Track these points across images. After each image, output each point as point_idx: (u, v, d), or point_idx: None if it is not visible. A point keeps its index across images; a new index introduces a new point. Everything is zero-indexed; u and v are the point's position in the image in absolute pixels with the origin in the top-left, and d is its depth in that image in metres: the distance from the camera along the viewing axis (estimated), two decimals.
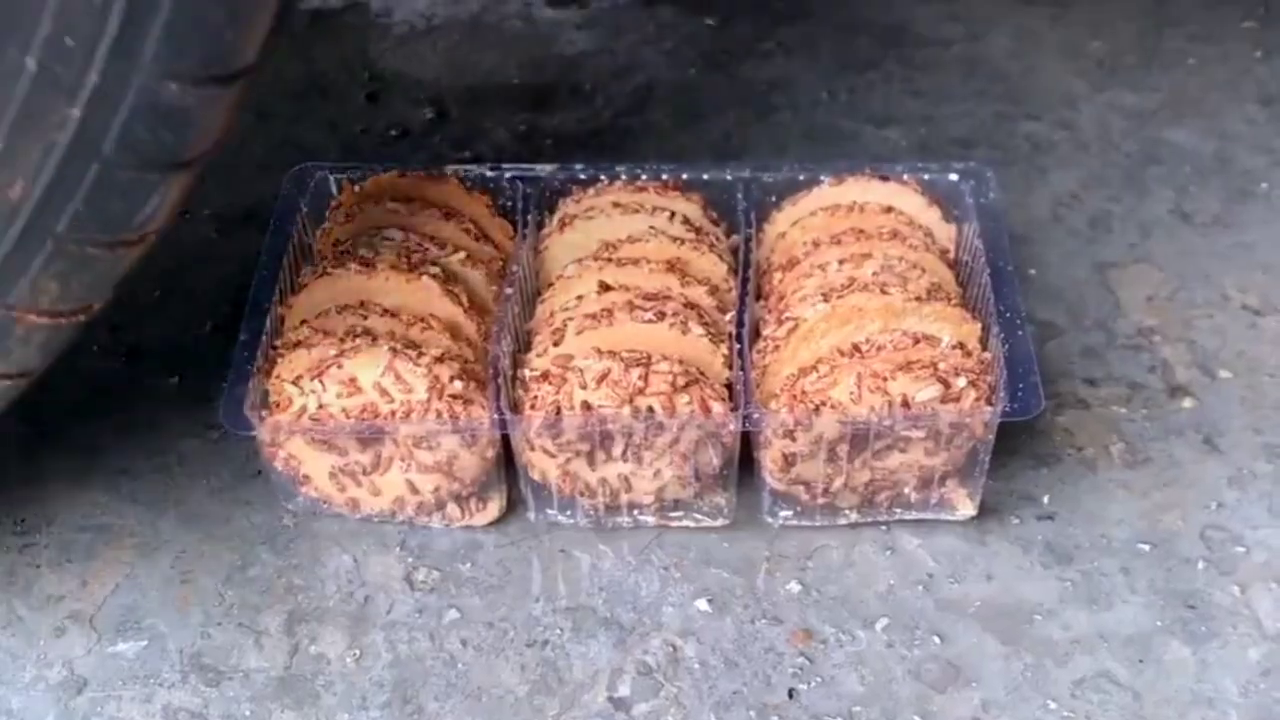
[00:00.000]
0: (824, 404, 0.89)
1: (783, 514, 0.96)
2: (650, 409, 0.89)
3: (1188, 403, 1.08)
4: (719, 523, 0.97)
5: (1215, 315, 1.16)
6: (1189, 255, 1.22)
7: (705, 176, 1.09)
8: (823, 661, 0.90)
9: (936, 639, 0.91)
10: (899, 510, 0.96)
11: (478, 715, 0.87)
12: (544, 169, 1.10)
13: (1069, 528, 0.98)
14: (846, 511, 0.96)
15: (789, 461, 0.92)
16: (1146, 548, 0.97)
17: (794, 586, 0.94)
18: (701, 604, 0.93)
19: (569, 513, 0.97)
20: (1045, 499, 1.00)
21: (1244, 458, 1.03)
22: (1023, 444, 1.02)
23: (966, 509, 0.96)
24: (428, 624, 0.91)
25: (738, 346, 0.94)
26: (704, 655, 0.90)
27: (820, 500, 0.95)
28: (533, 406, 0.90)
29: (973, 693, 0.88)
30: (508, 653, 0.90)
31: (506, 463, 0.96)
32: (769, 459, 0.93)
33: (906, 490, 0.95)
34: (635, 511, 0.96)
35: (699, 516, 0.97)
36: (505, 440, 0.94)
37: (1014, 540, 0.97)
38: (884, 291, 0.94)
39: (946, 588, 0.94)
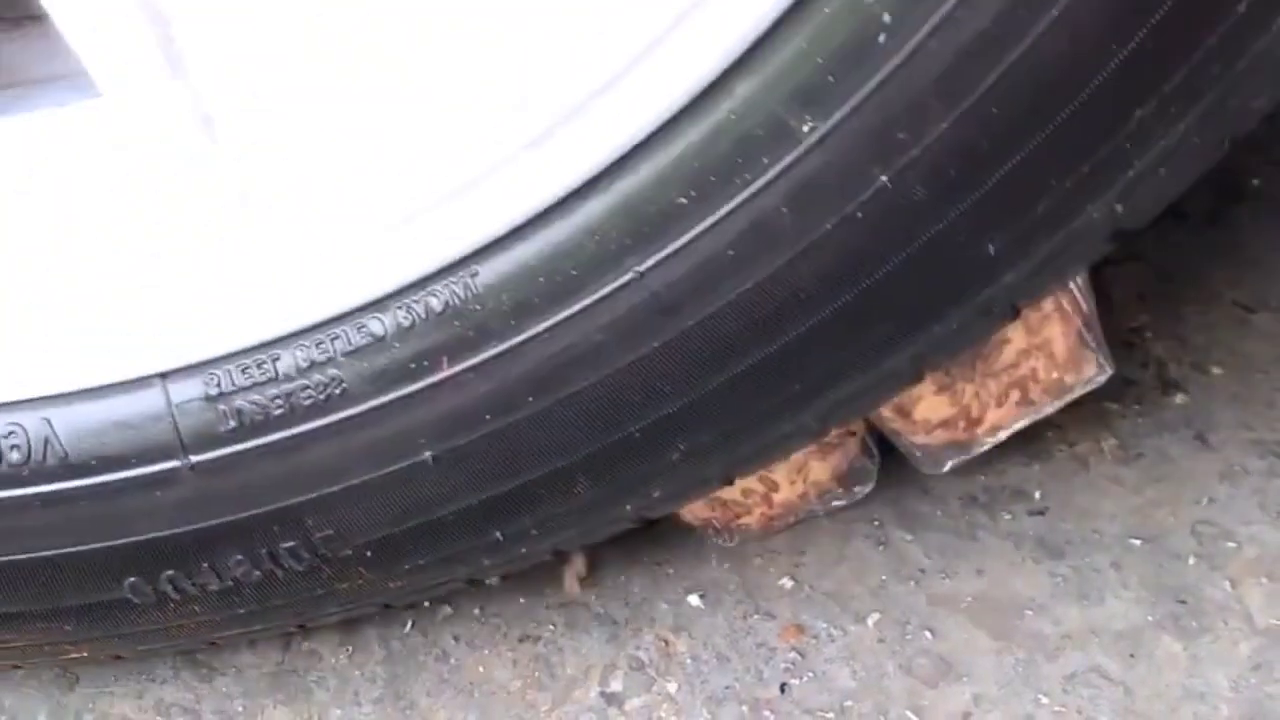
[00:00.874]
0: None
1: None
2: None
3: (1179, 399, 1.08)
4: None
5: (1207, 312, 1.16)
6: (1181, 252, 1.22)
7: None
8: (815, 656, 0.90)
9: (928, 634, 0.91)
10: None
11: (470, 710, 0.87)
12: None
13: (1060, 523, 0.98)
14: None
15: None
16: (1138, 543, 0.97)
17: (786, 582, 0.94)
18: (694, 599, 0.93)
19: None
20: (1037, 494, 1.00)
21: (1235, 454, 1.03)
22: (1014, 439, 1.02)
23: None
24: (420, 619, 0.92)
25: None
26: (696, 650, 0.90)
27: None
28: None
29: (964, 687, 0.88)
30: (500, 648, 0.90)
31: None
32: None
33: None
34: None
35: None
36: None
37: (1005, 535, 0.97)
38: None
39: (938, 583, 0.94)
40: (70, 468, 0.75)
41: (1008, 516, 0.99)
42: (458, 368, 0.73)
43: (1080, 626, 0.92)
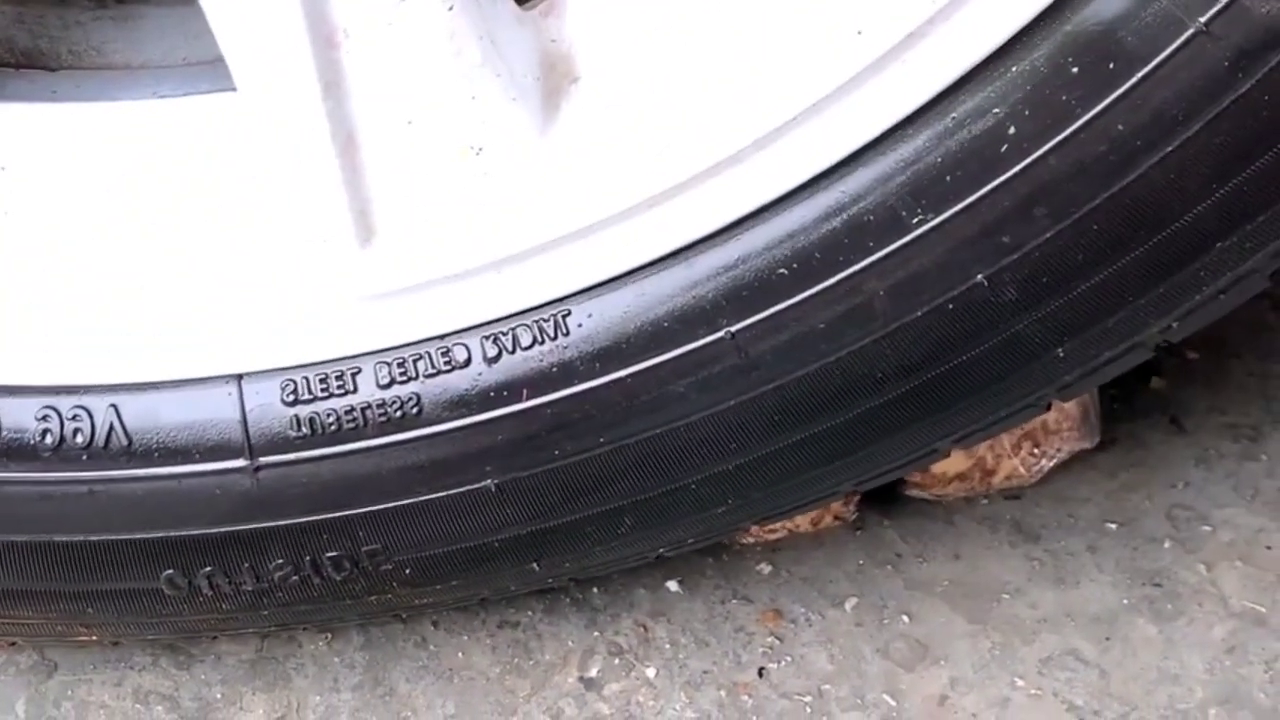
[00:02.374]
0: None
1: None
2: None
3: (1154, 383, 1.08)
4: None
5: None
6: None
7: None
8: (792, 640, 0.90)
9: (905, 618, 0.92)
10: None
11: (449, 696, 0.87)
12: None
13: (1036, 508, 0.99)
14: None
15: None
16: (1113, 527, 0.97)
17: (764, 567, 0.95)
18: (672, 585, 0.93)
19: None
20: None
21: (1209, 438, 1.04)
22: None
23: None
24: None
25: None
26: (674, 635, 0.90)
27: None
28: None
29: (941, 670, 0.89)
30: (479, 634, 0.90)
31: None
32: None
33: None
34: None
35: None
36: None
37: (981, 520, 0.98)
38: None
39: (915, 567, 0.95)
40: (131, 456, 0.74)
41: (984, 501, 0.99)
42: (536, 401, 0.74)
43: (1056, 610, 0.92)
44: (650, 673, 0.88)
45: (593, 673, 0.88)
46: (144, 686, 0.87)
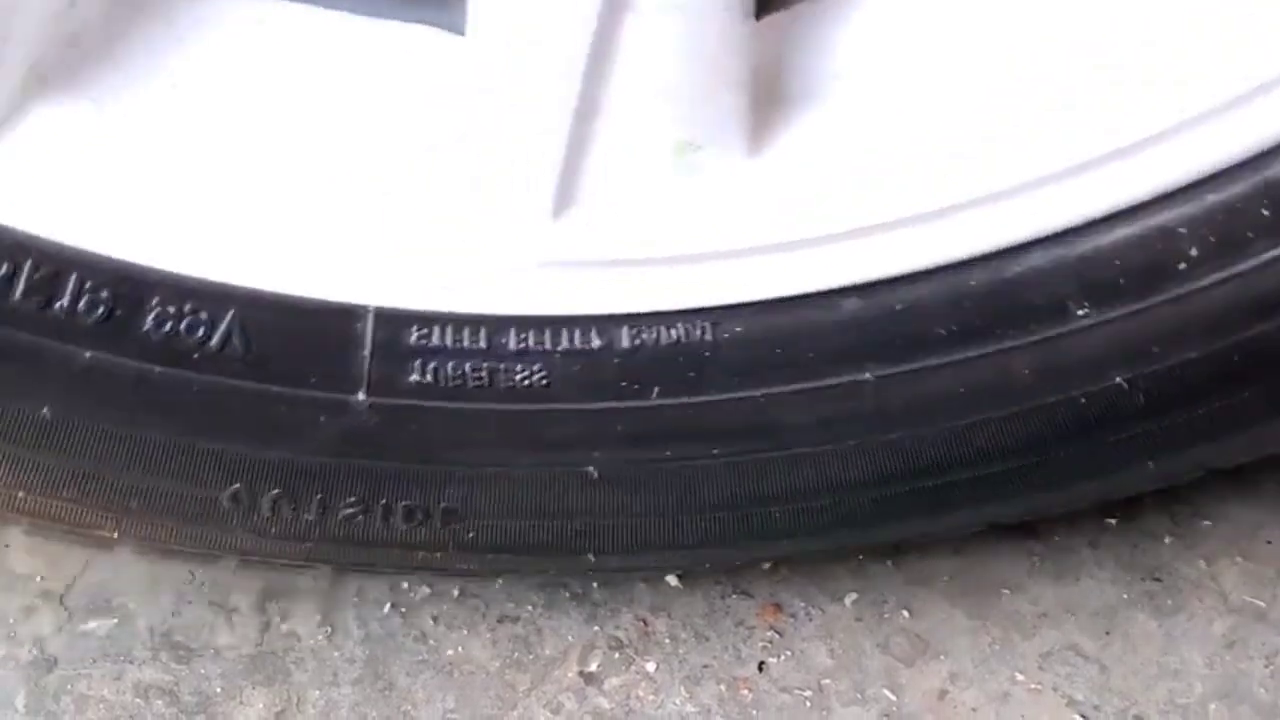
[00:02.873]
0: None
1: None
2: None
3: None
4: None
5: None
6: None
7: None
8: (792, 635, 0.90)
9: (905, 613, 0.92)
10: None
11: (449, 690, 0.87)
12: None
13: None
14: None
15: None
16: (1113, 522, 0.97)
17: (764, 562, 0.95)
18: (672, 579, 0.93)
19: None
20: None
21: None
22: None
23: None
24: (399, 600, 0.92)
25: None
26: (674, 630, 0.90)
27: None
28: None
29: (941, 665, 0.89)
30: (479, 628, 0.90)
31: None
32: None
33: None
34: None
35: None
36: None
37: None
38: None
39: (915, 562, 0.95)
40: (246, 365, 0.72)
41: None
42: (664, 401, 0.74)
43: (1056, 605, 0.92)
44: (650, 667, 0.88)
45: (593, 667, 0.88)
46: (143, 681, 0.87)
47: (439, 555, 0.82)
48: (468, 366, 0.73)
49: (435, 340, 0.73)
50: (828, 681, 0.87)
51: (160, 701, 0.86)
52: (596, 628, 0.90)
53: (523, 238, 0.71)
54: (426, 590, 0.92)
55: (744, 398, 0.74)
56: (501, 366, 0.73)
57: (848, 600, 0.92)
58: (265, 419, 0.74)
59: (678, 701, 0.86)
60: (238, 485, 0.76)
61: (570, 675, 0.88)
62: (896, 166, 0.72)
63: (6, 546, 0.95)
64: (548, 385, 0.74)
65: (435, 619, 0.91)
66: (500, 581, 0.93)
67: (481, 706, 0.86)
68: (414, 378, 0.73)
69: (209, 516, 0.79)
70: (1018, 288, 0.72)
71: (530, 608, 0.91)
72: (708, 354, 0.73)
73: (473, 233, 0.72)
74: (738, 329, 0.73)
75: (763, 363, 0.74)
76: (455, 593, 0.92)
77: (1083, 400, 0.74)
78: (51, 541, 0.95)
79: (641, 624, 0.91)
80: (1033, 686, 0.87)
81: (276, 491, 0.77)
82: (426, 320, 0.73)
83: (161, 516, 0.79)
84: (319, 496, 0.77)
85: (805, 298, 0.73)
